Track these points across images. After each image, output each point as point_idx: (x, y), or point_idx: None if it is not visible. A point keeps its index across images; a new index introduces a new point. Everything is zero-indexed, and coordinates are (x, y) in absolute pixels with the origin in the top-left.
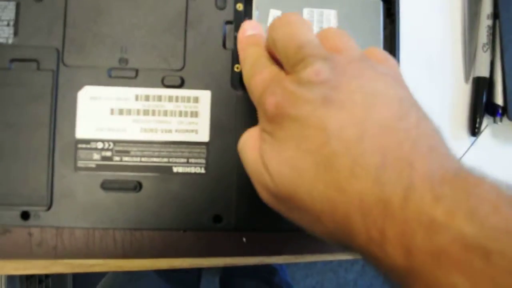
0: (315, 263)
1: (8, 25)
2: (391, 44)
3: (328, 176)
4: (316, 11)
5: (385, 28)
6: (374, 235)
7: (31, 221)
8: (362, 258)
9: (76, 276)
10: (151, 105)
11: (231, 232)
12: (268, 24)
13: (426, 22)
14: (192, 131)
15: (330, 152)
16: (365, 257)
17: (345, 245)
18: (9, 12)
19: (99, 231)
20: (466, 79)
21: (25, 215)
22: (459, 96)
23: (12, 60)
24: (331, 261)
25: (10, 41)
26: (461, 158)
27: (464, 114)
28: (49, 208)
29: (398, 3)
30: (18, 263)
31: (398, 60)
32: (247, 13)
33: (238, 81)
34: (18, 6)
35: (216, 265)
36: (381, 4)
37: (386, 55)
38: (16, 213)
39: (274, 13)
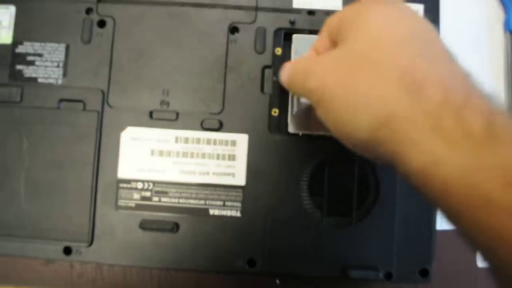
0: None
1: (58, 66)
2: None
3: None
4: None
5: None
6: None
7: (72, 256)
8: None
9: None
10: (190, 147)
11: (265, 276)
12: None
13: (467, 60)
14: (229, 174)
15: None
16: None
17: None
18: (59, 54)
19: (136, 268)
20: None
21: (67, 250)
22: None
23: (61, 100)
24: None
25: (59, 82)
26: None
27: None
28: (90, 244)
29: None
30: None
31: None
32: (285, 58)
33: (275, 125)
34: (67, 48)
35: None
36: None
37: None
38: (59, 247)
39: None
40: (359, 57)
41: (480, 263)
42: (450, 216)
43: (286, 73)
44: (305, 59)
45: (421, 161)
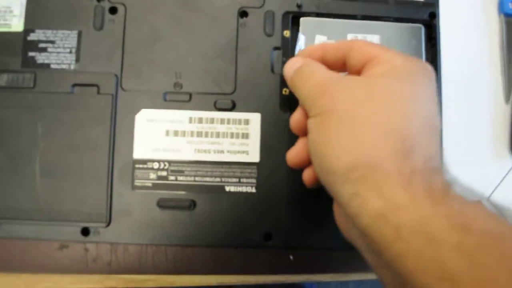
0: (346, 285)
1: (70, 52)
2: (433, 66)
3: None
4: (360, 36)
5: (426, 51)
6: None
7: (91, 237)
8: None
9: None
10: (204, 127)
11: (280, 249)
12: None
13: (465, 43)
14: (243, 152)
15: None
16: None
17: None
18: (72, 40)
19: (151, 248)
20: (506, 100)
21: (85, 231)
22: (500, 117)
23: (74, 85)
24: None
25: (72, 67)
26: (503, 178)
27: (505, 134)
28: (108, 224)
29: (439, 28)
30: (74, 277)
31: (439, 81)
32: (294, 39)
33: (286, 104)
34: (79, 35)
35: (263, 282)
36: (422, 29)
37: None
38: (76, 229)
39: (319, 39)
40: (379, 98)
41: None
42: (386, 257)
43: (293, 71)
44: (321, 70)
45: (381, 205)
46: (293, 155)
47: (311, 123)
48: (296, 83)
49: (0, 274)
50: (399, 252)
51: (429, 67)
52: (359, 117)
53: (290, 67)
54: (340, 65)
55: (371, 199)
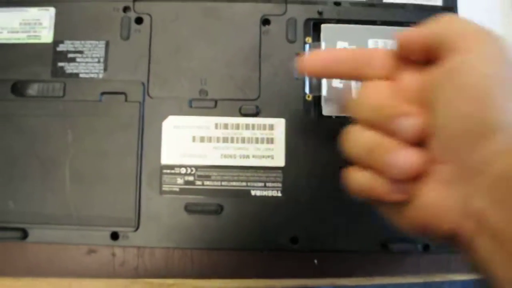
0: None
1: (98, 61)
2: None
3: None
4: (380, 41)
5: None
6: None
7: (120, 241)
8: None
9: None
10: (230, 132)
11: (307, 253)
12: None
13: None
14: (268, 156)
15: None
16: None
17: None
18: (99, 50)
19: (177, 252)
20: None
21: (114, 236)
22: None
23: (103, 93)
24: None
25: (100, 76)
26: None
27: None
28: (136, 229)
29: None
30: (101, 281)
31: None
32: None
33: (310, 109)
34: (107, 45)
35: (288, 286)
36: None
37: None
38: (106, 234)
39: (341, 45)
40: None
41: None
42: None
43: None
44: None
45: None
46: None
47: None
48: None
49: (28, 279)
50: None
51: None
52: None
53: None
54: (355, 75)
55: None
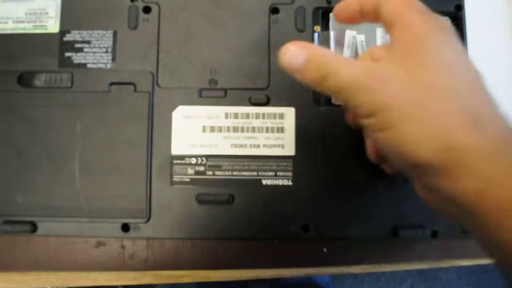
0: (362, 282)
1: (106, 51)
2: None
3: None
4: None
5: None
6: None
7: (131, 233)
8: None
9: None
10: (240, 122)
11: (319, 241)
12: (346, 44)
13: (490, 36)
14: (278, 145)
15: None
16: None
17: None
18: (107, 40)
19: (187, 243)
20: None
21: (125, 227)
22: None
23: (111, 84)
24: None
25: (108, 66)
26: None
27: None
28: (148, 220)
29: (465, 20)
30: (111, 274)
31: None
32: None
33: (319, 98)
34: (115, 34)
35: (297, 275)
36: (448, 22)
37: None
38: (117, 225)
39: (349, 34)
40: (436, 81)
41: None
42: (491, 236)
43: (302, 67)
44: (343, 67)
45: (477, 183)
46: (370, 154)
47: (368, 123)
48: (315, 83)
49: (37, 272)
50: (500, 224)
51: (446, 24)
52: (419, 106)
53: (292, 61)
54: (372, 17)
55: (467, 180)
